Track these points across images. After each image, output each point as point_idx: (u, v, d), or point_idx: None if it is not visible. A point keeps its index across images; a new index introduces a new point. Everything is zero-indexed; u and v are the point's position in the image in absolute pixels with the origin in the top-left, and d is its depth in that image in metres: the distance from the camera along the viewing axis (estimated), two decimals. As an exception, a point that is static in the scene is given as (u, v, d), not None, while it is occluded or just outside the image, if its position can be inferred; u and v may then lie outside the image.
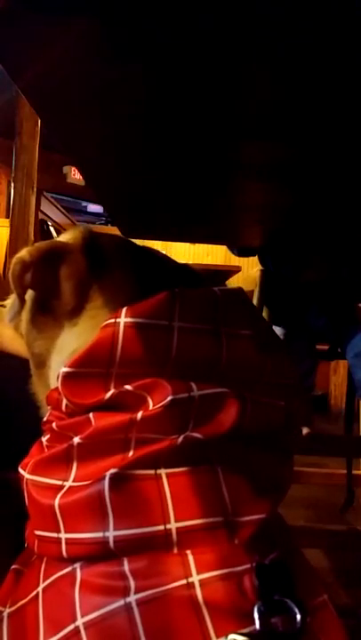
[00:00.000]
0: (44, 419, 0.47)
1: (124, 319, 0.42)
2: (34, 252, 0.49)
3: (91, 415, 0.42)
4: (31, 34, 0.28)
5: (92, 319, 0.47)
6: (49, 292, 0.50)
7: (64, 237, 0.55)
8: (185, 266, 0.56)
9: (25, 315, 0.54)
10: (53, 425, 0.44)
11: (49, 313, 0.51)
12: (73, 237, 0.53)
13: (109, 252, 0.52)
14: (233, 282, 3.37)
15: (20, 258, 0.49)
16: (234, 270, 2.94)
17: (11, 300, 0.53)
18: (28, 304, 0.53)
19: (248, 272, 2.44)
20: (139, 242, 0.62)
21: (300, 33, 0.26)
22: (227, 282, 3.32)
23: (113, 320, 0.43)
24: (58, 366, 0.45)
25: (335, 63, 0.29)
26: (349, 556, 1.54)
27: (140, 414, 0.40)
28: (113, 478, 0.39)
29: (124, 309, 0.43)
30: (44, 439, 0.46)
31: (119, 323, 0.42)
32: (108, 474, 0.39)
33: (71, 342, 0.48)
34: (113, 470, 0.39)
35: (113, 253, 0.52)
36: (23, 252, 0.49)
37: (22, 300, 0.50)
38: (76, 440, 0.41)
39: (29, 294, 0.52)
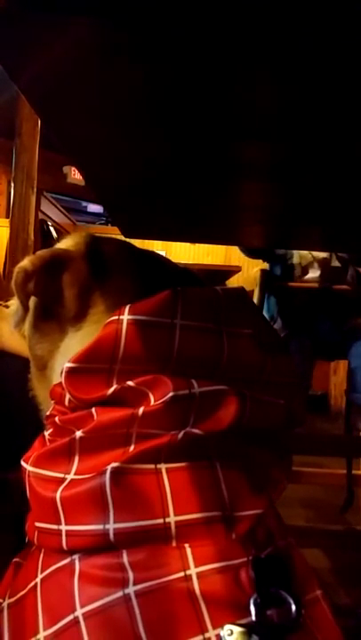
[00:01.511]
0: (47, 413, 0.47)
1: (127, 316, 0.43)
2: (36, 262, 0.49)
3: (93, 410, 0.42)
4: (31, 34, 0.28)
5: (95, 323, 0.48)
6: (52, 299, 0.50)
7: (66, 244, 0.55)
8: (187, 270, 0.56)
9: (28, 318, 0.54)
10: (56, 419, 0.45)
11: (52, 318, 0.51)
12: (75, 244, 0.53)
13: (111, 258, 0.52)
14: (233, 282, 3.37)
15: (22, 267, 0.49)
16: (234, 270, 2.94)
17: (14, 306, 0.53)
18: (31, 309, 0.53)
19: (248, 272, 2.45)
20: (139, 242, 0.62)
21: (301, 34, 0.26)
22: (227, 282, 3.32)
23: (116, 317, 0.43)
24: (61, 369, 0.45)
25: (336, 63, 0.29)
26: (349, 555, 1.53)
27: (141, 410, 0.41)
28: (114, 472, 0.39)
29: (127, 307, 0.44)
30: (47, 433, 0.46)
31: (122, 320, 0.43)
32: (109, 467, 0.39)
33: (75, 346, 0.48)
34: (114, 464, 0.39)
35: (115, 259, 0.52)
36: (25, 262, 0.50)
37: (26, 307, 0.51)
38: (79, 434, 0.42)
39: (32, 299, 0.52)
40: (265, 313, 1.85)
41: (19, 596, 0.42)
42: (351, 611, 1.27)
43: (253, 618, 0.36)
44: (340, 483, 1.71)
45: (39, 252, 0.51)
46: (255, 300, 1.72)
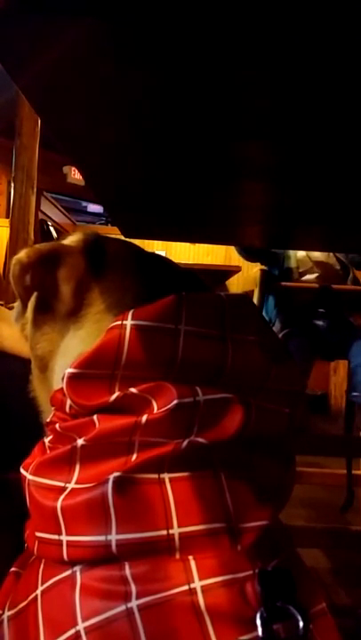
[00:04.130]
0: (48, 419, 0.47)
1: (130, 321, 0.42)
2: (32, 254, 0.49)
3: (95, 417, 0.42)
4: (31, 34, 0.28)
5: (97, 323, 0.47)
6: (49, 293, 0.50)
7: (68, 240, 0.55)
8: (191, 272, 0.56)
9: (29, 316, 0.54)
10: (57, 426, 0.44)
11: (50, 313, 0.51)
12: (76, 240, 0.53)
13: (113, 257, 0.52)
14: (233, 282, 3.38)
15: (18, 259, 0.49)
16: (234, 270, 2.95)
17: (17, 302, 0.54)
18: (31, 305, 0.53)
19: (248, 272, 2.44)
20: (139, 242, 0.62)
21: (301, 34, 0.26)
22: (227, 282, 3.33)
23: (119, 322, 0.43)
24: (62, 370, 0.45)
25: (335, 63, 0.29)
26: (349, 555, 1.54)
27: (144, 417, 0.40)
28: (116, 481, 0.38)
29: (131, 312, 0.43)
30: (47, 440, 0.45)
31: (125, 325, 0.42)
32: (111, 477, 0.39)
33: (76, 346, 0.48)
34: (116, 473, 0.39)
35: (116, 257, 0.52)
36: (21, 254, 0.50)
37: (24, 301, 0.51)
38: (80, 442, 0.41)
39: (33, 296, 0.52)
40: (264, 313, 1.85)
41: (19, 607, 0.41)
42: (351, 611, 1.27)
43: (260, 633, 0.35)
44: (341, 483, 1.71)
45: (37, 246, 0.51)
46: (255, 300, 1.72)
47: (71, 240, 0.54)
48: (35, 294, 0.52)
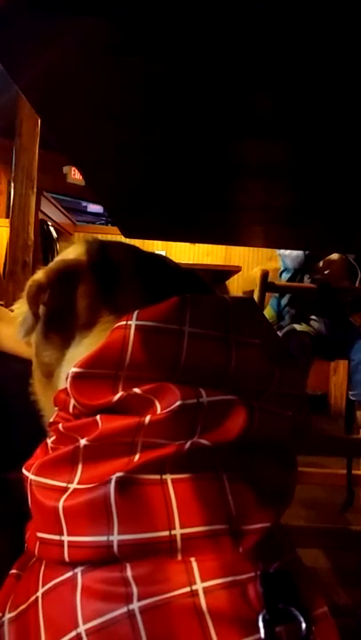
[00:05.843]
0: (51, 420, 0.47)
1: (134, 322, 0.42)
2: (50, 275, 0.49)
3: (98, 417, 0.42)
4: (31, 34, 0.28)
5: (104, 331, 0.47)
6: (62, 309, 0.50)
7: (75, 251, 0.54)
8: (194, 274, 0.56)
9: (38, 327, 0.54)
10: (59, 426, 0.44)
11: (61, 327, 0.51)
12: (81, 252, 0.53)
13: (120, 265, 0.52)
14: (233, 282, 3.38)
15: (36, 280, 0.49)
16: (234, 270, 2.95)
17: (20, 311, 0.53)
18: (41, 318, 0.53)
19: (248, 272, 2.44)
20: (139, 242, 0.62)
21: (301, 33, 0.26)
22: (227, 282, 3.33)
23: (124, 322, 0.43)
24: (66, 376, 0.45)
25: (335, 63, 0.29)
26: (349, 555, 1.53)
27: (147, 418, 0.40)
28: (119, 482, 0.38)
29: (136, 313, 0.43)
30: (50, 440, 0.45)
31: (130, 325, 0.42)
32: (113, 477, 0.38)
33: (82, 354, 0.48)
34: (119, 474, 0.39)
35: (124, 267, 0.52)
36: (40, 275, 0.49)
37: (37, 317, 0.50)
38: (82, 442, 0.41)
39: (42, 307, 0.52)
40: (275, 309, 1.85)
41: (19, 610, 0.41)
42: (351, 611, 1.27)
43: (262, 635, 0.35)
44: (341, 483, 1.71)
45: (52, 265, 0.51)
46: (255, 299, 1.72)
47: (79, 252, 0.53)
48: (44, 307, 0.52)
